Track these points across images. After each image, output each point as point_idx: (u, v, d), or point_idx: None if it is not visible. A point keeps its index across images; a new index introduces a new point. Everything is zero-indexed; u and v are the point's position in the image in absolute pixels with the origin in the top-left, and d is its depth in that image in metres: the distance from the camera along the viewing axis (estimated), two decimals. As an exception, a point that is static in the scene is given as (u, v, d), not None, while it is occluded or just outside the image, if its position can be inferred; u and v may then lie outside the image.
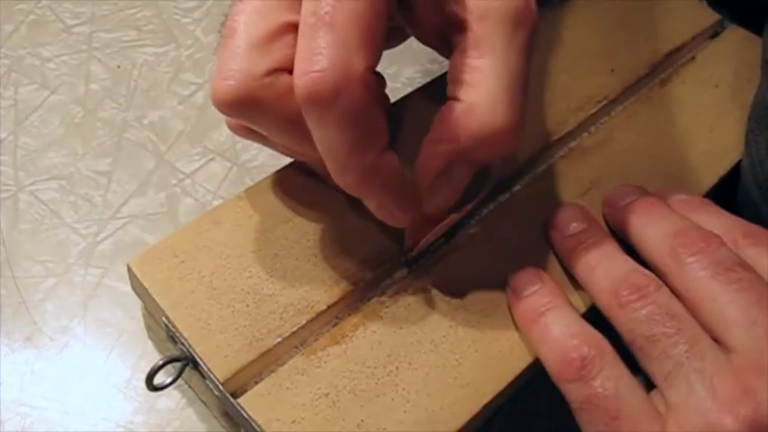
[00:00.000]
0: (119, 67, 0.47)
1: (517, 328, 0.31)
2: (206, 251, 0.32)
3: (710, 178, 0.37)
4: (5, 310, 0.37)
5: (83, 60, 0.47)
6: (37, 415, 0.34)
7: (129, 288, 0.33)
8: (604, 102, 0.39)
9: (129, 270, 0.31)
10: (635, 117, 0.39)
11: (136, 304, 0.34)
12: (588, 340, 0.29)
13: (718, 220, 0.32)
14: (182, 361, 0.30)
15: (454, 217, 0.32)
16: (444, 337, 0.31)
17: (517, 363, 0.31)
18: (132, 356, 0.36)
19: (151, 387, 0.30)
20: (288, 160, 0.35)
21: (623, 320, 0.29)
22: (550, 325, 0.30)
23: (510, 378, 0.30)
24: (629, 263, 0.31)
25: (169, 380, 0.31)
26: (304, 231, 0.33)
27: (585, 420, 0.29)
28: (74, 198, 0.41)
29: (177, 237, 0.32)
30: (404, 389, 0.29)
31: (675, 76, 0.41)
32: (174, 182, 0.42)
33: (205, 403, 0.34)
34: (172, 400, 0.35)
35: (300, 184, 0.34)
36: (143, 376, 0.30)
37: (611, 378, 0.28)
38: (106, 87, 0.46)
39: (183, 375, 0.34)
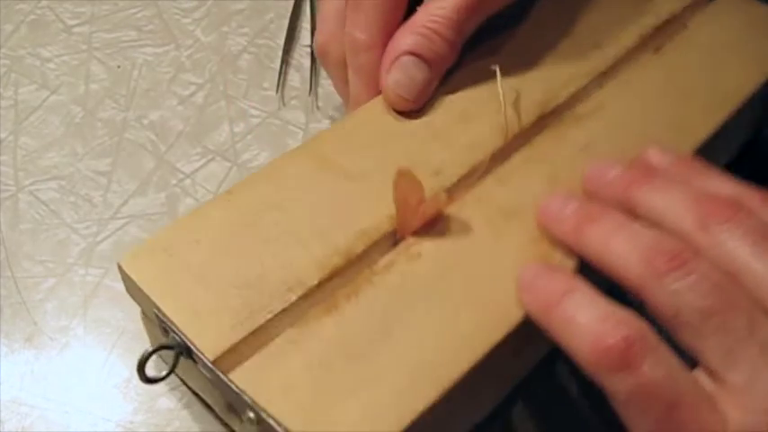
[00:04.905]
0: (119, 67, 0.47)
1: (513, 284, 0.30)
2: (195, 244, 0.31)
3: (707, 127, 0.37)
4: (5, 310, 0.37)
5: (83, 60, 0.47)
6: (37, 415, 0.34)
7: (128, 287, 0.33)
8: (597, 73, 0.39)
9: (121, 269, 0.31)
10: (628, 86, 0.39)
11: (135, 304, 0.34)
12: (624, 321, 0.25)
13: (730, 187, 0.29)
14: (173, 348, 0.29)
15: (443, 202, 0.32)
16: (439, 300, 0.30)
17: (514, 314, 0.30)
18: (132, 356, 0.36)
19: (144, 378, 0.30)
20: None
21: (662, 293, 0.26)
22: (574, 310, 0.26)
23: (508, 329, 0.29)
24: (652, 229, 0.27)
25: (164, 372, 0.30)
26: (294, 217, 0.32)
27: (635, 413, 0.25)
28: (74, 198, 0.41)
29: (166, 232, 0.32)
30: (399, 349, 0.29)
31: (668, 41, 0.41)
32: (174, 182, 0.42)
33: (205, 403, 0.34)
34: (172, 400, 0.35)
35: (290, 176, 0.34)
36: (143, 376, 0.30)
37: (660, 362, 0.25)
38: (106, 87, 0.46)
39: (183, 376, 0.34)
